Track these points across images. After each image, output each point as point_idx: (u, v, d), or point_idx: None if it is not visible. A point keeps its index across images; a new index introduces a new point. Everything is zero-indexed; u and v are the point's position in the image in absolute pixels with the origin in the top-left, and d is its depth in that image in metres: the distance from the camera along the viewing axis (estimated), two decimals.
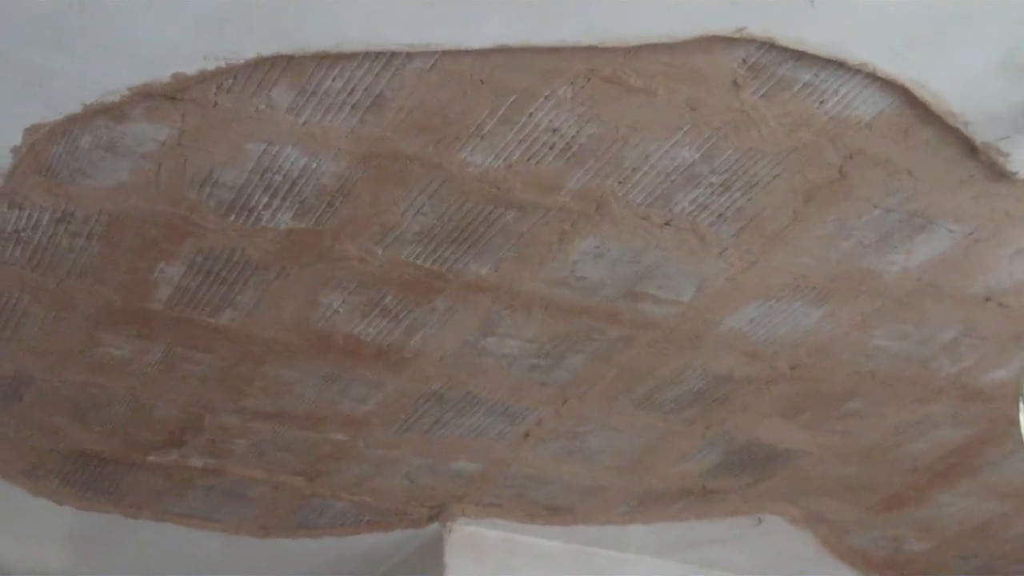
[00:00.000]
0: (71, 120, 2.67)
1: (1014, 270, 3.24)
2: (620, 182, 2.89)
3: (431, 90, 2.62)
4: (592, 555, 4.72)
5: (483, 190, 2.90)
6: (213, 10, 2.40)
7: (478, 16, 2.44)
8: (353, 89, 2.61)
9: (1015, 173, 2.90)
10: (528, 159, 2.81)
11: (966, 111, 2.72)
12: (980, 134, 2.78)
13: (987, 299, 3.35)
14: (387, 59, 2.54)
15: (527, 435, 3.95)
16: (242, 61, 2.52)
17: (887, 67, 2.60)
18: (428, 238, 3.05)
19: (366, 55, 2.53)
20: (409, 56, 2.54)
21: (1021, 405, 2.77)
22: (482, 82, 2.60)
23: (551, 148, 2.78)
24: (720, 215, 3.00)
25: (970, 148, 2.83)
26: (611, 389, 3.71)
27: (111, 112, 2.65)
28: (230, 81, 2.58)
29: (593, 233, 3.05)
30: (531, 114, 2.69)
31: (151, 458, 4.05)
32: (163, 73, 2.55)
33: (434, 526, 4.50)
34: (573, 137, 2.75)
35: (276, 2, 2.39)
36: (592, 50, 2.53)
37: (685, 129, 2.74)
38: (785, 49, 2.55)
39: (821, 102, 2.69)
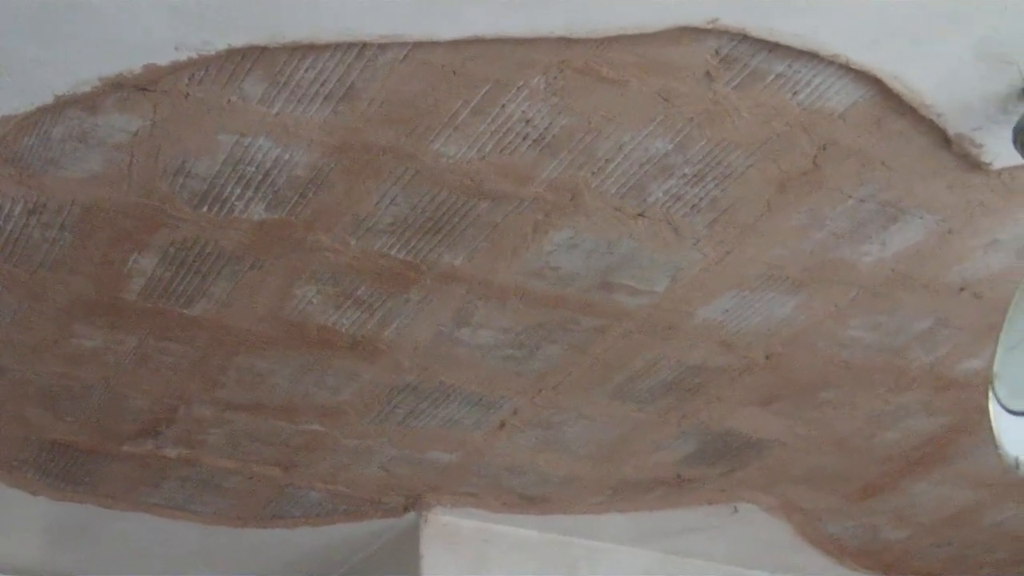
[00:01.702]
0: (42, 111, 2.65)
1: (988, 260, 3.25)
2: (593, 173, 2.89)
3: (403, 81, 2.61)
4: (568, 544, 4.73)
5: (456, 181, 2.89)
6: (185, 0, 2.39)
7: (456, 7, 2.43)
8: (325, 80, 2.60)
9: (989, 164, 2.90)
10: (501, 150, 2.81)
11: (939, 102, 2.72)
12: (953, 125, 2.79)
13: (961, 289, 3.36)
14: (359, 50, 2.53)
15: (502, 425, 3.95)
16: (214, 52, 2.51)
17: (860, 58, 2.60)
18: (401, 229, 3.04)
19: (338, 46, 2.52)
20: (381, 47, 2.53)
21: (990, 394, 2.78)
22: (454, 73, 2.60)
23: (524, 139, 2.78)
24: (694, 206, 3.00)
25: (943, 139, 2.83)
26: (586, 379, 3.71)
27: (83, 103, 2.64)
28: (202, 72, 2.57)
29: (567, 224, 3.05)
30: (504, 105, 2.68)
31: (126, 448, 4.04)
32: (135, 64, 2.54)
33: (410, 516, 4.50)
34: (546, 128, 2.75)
35: None
36: (565, 41, 2.53)
37: (658, 120, 2.74)
38: (758, 40, 2.55)
39: (794, 93, 2.69)
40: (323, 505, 4.46)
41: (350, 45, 2.52)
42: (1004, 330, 2.80)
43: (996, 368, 2.77)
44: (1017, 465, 2.74)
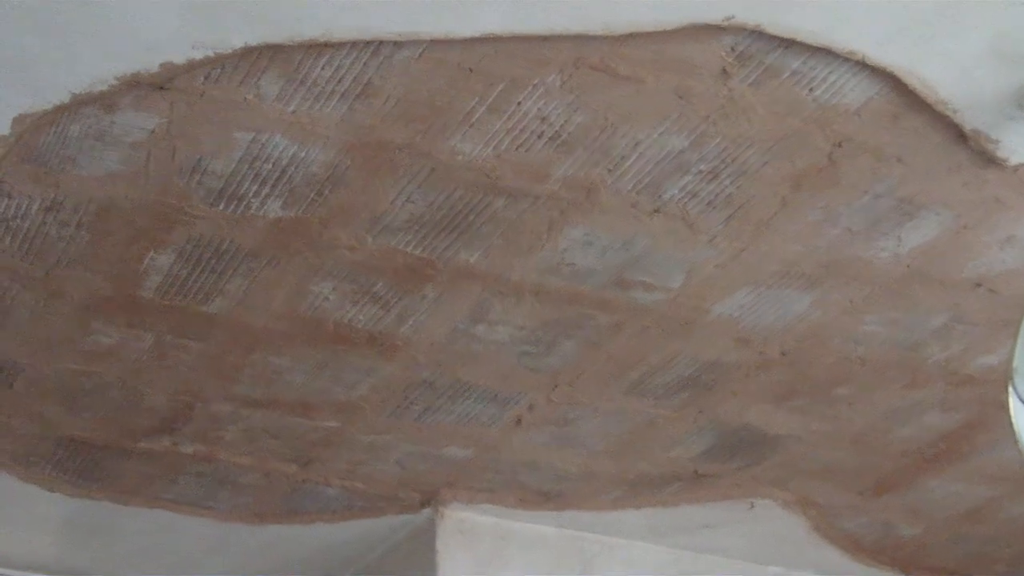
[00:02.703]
0: (60, 109, 2.66)
1: (1004, 256, 3.24)
2: (609, 170, 2.89)
3: (420, 79, 2.61)
4: (584, 540, 4.73)
5: (472, 178, 2.90)
6: None
7: (471, 4, 2.44)
8: (342, 78, 2.61)
9: (1005, 160, 2.90)
10: (517, 147, 2.81)
11: (955, 98, 2.72)
12: (969, 121, 2.78)
13: (977, 285, 3.36)
14: (375, 48, 2.54)
15: (518, 421, 3.95)
16: (230, 50, 2.52)
17: (876, 54, 2.60)
18: (418, 226, 3.05)
19: (355, 44, 2.53)
20: (398, 45, 2.53)
21: (1010, 389, 2.77)
22: (471, 71, 2.60)
23: (540, 136, 2.78)
24: (709, 202, 3.00)
25: (959, 135, 2.83)
26: (602, 375, 3.71)
27: (100, 101, 2.64)
28: (218, 70, 2.58)
29: (582, 221, 3.05)
30: (520, 103, 2.69)
31: (142, 445, 4.05)
32: (151, 62, 2.55)
33: (426, 512, 4.50)
34: (562, 125, 2.75)
35: None
36: (580, 39, 2.53)
37: (674, 117, 2.74)
38: (774, 37, 2.55)
39: (810, 89, 2.69)
40: (339, 501, 4.46)
41: (366, 43, 2.53)
42: None
43: (1016, 363, 2.76)
44: None
